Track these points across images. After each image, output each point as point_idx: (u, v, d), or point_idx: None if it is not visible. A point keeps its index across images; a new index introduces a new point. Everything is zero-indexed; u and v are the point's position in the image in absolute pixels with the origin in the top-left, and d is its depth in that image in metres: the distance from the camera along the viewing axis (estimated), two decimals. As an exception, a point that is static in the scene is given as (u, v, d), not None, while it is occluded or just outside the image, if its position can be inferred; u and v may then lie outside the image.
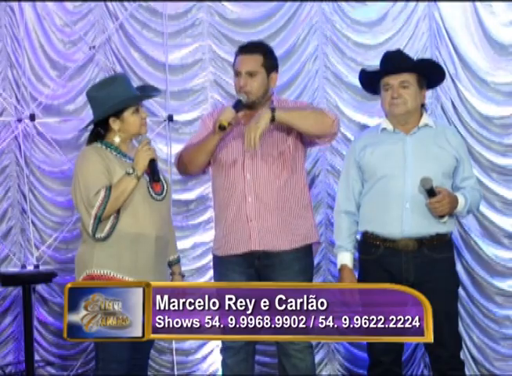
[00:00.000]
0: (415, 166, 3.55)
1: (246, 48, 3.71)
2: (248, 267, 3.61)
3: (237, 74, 3.67)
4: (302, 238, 3.66)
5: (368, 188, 3.64)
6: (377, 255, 3.59)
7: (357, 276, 3.73)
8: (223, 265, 3.68)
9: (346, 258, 3.68)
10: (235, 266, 3.62)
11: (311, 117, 3.58)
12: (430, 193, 3.45)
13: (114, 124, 3.43)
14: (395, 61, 3.66)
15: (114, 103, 3.39)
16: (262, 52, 3.68)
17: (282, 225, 3.62)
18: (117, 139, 3.45)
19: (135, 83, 4.47)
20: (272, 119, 3.49)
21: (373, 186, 3.61)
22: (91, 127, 3.53)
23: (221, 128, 3.53)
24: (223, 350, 3.71)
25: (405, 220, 3.52)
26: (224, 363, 3.70)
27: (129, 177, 3.35)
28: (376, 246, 3.59)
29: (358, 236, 3.73)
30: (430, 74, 3.65)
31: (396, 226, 3.53)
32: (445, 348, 3.51)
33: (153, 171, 3.41)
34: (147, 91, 3.68)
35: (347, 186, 3.71)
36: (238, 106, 3.60)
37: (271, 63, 3.69)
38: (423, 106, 3.67)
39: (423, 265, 3.52)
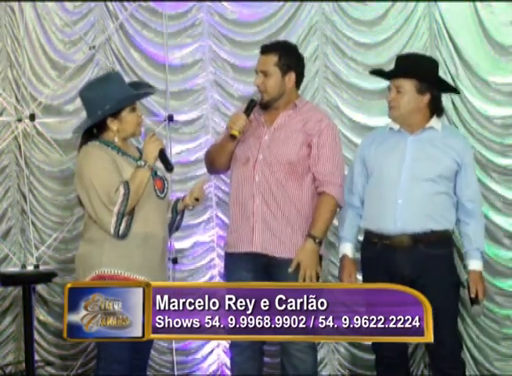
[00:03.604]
0: (411, 165, 3.60)
1: (264, 48, 3.73)
2: (256, 265, 3.61)
3: (256, 72, 3.70)
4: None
5: (369, 184, 3.72)
6: (375, 253, 3.65)
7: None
8: (232, 262, 3.70)
9: (347, 248, 3.78)
10: (243, 264, 3.63)
11: (331, 217, 3.67)
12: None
13: (112, 124, 3.40)
14: (397, 65, 3.71)
15: (112, 103, 3.35)
16: (278, 52, 3.66)
17: (283, 235, 3.61)
18: (116, 139, 3.42)
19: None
20: (320, 243, 3.58)
21: (372, 182, 3.70)
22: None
23: (233, 137, 3.58)
24: (231, 347, 3.76)
25: (398, 216, 3.57)
26: (232, 361, 3.75)
27: (142, 169, 3.34)
28: (374, 243, 3.66)
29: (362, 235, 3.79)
30: (430, 81, 3.67)
31: (390, 222, 3.59)
32: (444, 346, 3.52)
33: (164, 160, 3.40)
34: (141, 87, 3.64)
35: (351, 180, 3.81)
36: (250, 107, 3.61)
37: (287, 64, 3.66)
38: (437, 109, 3.69)
39: (419, 262, 3.56)
